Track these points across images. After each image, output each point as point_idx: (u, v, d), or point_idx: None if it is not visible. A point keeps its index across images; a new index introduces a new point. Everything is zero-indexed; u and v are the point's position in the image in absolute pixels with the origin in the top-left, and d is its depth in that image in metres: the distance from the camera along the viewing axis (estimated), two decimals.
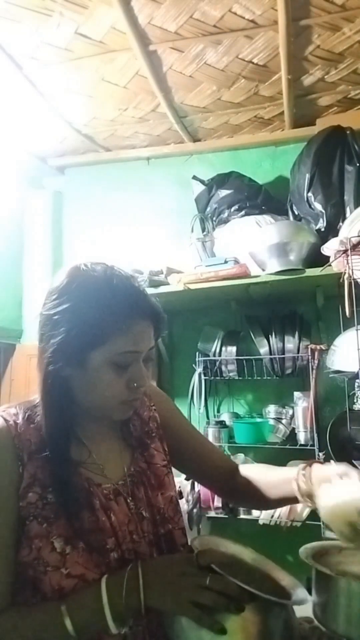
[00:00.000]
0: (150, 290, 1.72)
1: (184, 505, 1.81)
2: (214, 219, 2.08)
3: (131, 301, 0.79)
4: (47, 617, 0.71)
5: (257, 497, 0.96)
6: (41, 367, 0.80)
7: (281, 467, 1.00)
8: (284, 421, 1.91)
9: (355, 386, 1.53)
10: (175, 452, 0.97)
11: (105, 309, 0.76)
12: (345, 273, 1.50)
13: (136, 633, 0.76)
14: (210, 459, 1.04)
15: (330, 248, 1.58)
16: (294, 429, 1.90)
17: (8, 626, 0.71)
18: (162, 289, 1.83)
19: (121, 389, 0.80)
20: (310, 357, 1.79)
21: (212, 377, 2.01)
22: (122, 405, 0.83)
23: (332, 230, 1.75)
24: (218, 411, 2.13)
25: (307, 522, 1.67)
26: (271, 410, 1.95)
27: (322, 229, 1.78)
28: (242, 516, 1.80)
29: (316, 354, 1.79)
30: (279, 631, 0.70)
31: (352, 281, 1.48)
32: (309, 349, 1.80)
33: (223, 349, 1.97)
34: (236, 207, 2.02)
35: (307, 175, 1.84)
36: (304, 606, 0.77)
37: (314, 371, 1.79)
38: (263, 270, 1.77)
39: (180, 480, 1.69)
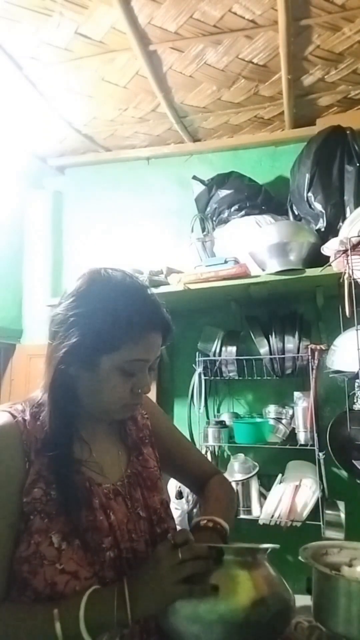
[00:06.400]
0: None
1: (184, 505, 1.81)
2: (214, 219, 2.08)
3: (147, 312, 0.81)
4: (38, 619, 0.70)
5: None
6: (51, 365, 0.81)
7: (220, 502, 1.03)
8: (284, 421, 1.91)
9: (355, 386, 1.53)
10: (163, 457, 1.01)
11: (122, 317, 0.78)
12: (345, 273, 1.50)
13: (133, 632, 0.77)
14: (192, 465, 1.09)
15: (330, 248, 1.58)
16: (294, 429, 1.90)
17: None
18: (162, 289, 1.83)
19: (125, 393, 0.83)
20: (310, 357, 1.79)
21: (212, 377, 2.00)
22: (124, 407, 0.86)
23: (332, 230, 1.75)
24: (218, 411, 2.12)
25: (307, 522, 1.67)
26: (271, 410, 1.95)
27: (322, 229, 1.78)
28: (242, 516, 1.79)
29: (316, 354, 1.79)
30: (262, 574, 0.76)
31: (352, 281, 1.48)
32: (309, 349, 1.80)
33: (223, 349, 1.97)
34: (236, 207, 2.02)
35: (307, 175, 1.84)
36: (304, 606, 0.78)
37: (314, 371, 1.79)
38: (263, 270, 1.77)
39: None
